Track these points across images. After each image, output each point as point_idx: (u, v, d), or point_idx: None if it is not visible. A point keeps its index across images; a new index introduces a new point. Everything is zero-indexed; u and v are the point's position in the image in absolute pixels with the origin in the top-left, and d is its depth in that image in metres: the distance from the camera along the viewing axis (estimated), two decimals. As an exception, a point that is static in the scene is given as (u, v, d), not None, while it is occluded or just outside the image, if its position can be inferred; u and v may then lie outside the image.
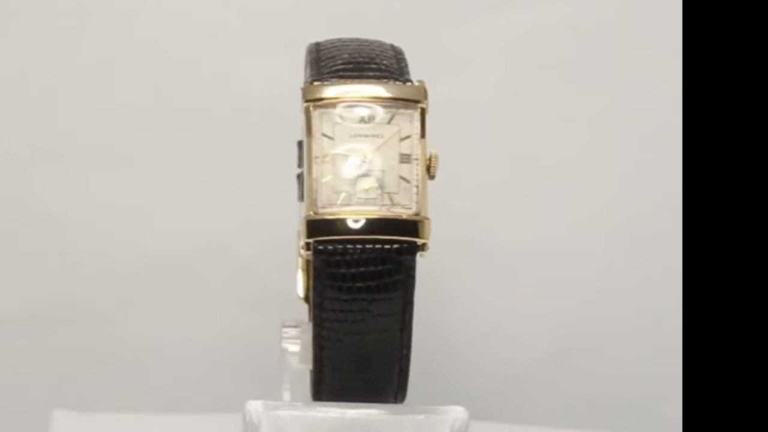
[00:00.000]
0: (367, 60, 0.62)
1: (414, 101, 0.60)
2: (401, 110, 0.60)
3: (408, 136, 0.59)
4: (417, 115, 0.60)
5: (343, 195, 0.59)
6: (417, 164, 0.59)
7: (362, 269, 0.59)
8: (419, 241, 0.58)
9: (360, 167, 0.59)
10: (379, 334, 0.60)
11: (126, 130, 0.92)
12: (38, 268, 0.91)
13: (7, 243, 0.92)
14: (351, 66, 0.62)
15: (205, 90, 0.91)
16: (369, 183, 0.59)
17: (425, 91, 0.60)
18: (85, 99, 0.91)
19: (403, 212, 0.59)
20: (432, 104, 0.87)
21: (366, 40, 0.63)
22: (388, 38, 0.65)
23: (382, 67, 0.61)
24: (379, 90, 0.60)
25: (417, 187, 0.59)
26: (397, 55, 0.62)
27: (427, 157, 0.59)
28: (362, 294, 0.59)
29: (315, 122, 0.60)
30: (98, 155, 0.91)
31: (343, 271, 0.59)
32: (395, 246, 0.58)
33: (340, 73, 0.61)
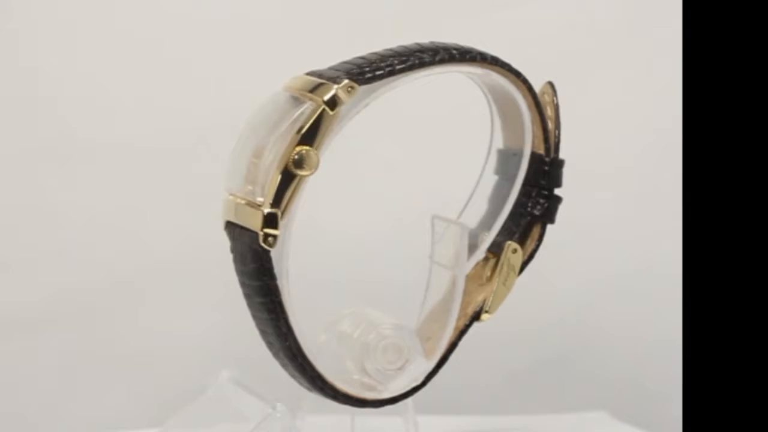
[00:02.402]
0: (351, 59, 0.62)
1: (317, 99, 0.60)
2: (305, 106, 0.60)
3: (297, 130, 0.60)
4: (309, 110, 0.60)
5: (240, 181, 0.61)
6: (280, 159, 0.59)
7: (237, 253, 0.61)
8: (260, 233, 0.59)
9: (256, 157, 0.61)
10: (263, 321, 0.62)
11: (126, 130, 0.92)
12: (38, 268, 0.91)
13: (7, 243, 0.92)
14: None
15: (205, 90, 0.91)
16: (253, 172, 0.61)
17: (327, 90, 0.60)
18: (86, 99, 0.91)
19: (256, 202, 0.60)
20: (433, 103, 0.88)
21: (417, 44, 0.63)
22: (387, 38, 0.65)
23: (343, 66, 0.61)
24: (304, 84, 0.61)
25: (275, 181, 0.59)
26: (401, 63, 0.61)
27: (294, 154, 0.59)
28: (243, 277, 0.62)
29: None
30: (98, 155, 0.92)
31: (234, 253, 0.62)
32: (248, 234, 0.60)
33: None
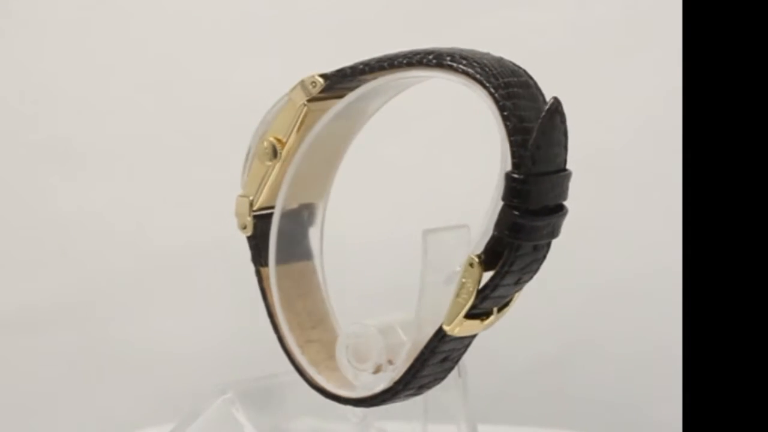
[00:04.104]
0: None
1: (290, 93, 0.61)
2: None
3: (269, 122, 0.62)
4: (281, 103, 0.61)
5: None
6: (254, 148, 0.62)
7: None
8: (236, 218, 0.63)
9: None
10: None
11: (126, 130, 0.92)
12: (38, 268, 0.91)
13: (7, 243, 0.92)
14: None
15: (205, 90, 0.91)
16: None
17: (298, 86, 0.61)
18: (86, 99, 0.91)
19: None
20: (434, 102, 0.88)
21: (433, 48, 0.63)
22: (387, 38, 0.65)
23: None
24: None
25: (248, 169, 0.62)
26: (377, 63, 0.61)
27: (260, 143, 0.61)
28: None
29: None
30: (98, 155, 0.92)
31: None
32: None
33: None
